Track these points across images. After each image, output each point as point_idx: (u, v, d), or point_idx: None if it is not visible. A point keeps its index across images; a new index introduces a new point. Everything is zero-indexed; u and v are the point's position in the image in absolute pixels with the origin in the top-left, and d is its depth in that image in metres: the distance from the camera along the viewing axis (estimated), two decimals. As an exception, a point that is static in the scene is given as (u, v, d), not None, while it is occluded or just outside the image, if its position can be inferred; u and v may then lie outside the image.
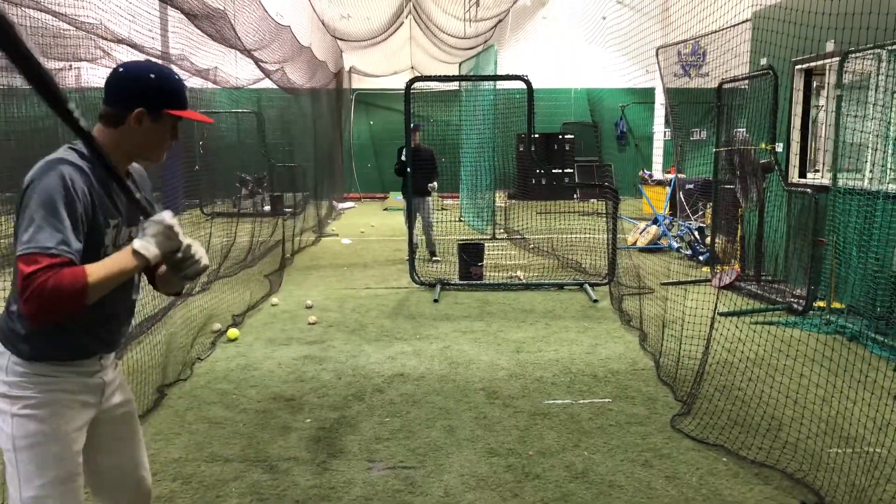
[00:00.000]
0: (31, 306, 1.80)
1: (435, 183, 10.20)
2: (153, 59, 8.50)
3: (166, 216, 1.99)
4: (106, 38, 6.92)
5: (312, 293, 8.29)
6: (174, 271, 2.08)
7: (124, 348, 5.41)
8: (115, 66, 2.18)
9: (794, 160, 8.18)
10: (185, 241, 2.04)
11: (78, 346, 2.13)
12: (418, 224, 9.99)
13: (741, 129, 8.27)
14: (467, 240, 9.88)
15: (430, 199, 10.09)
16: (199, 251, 2.08)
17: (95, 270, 1.88)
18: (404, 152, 9.47)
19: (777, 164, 7.78)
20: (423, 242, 10.22)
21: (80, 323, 2.08)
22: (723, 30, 7.75)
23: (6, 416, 2.04)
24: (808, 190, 7.39)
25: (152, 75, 2.13)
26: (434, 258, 10.05)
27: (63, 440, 2.07)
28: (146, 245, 1.96)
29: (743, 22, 8.18)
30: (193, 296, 7.54)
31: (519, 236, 11.88)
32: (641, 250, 11.01)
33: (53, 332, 2.06)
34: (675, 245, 11.06)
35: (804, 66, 7.83)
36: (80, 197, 1.96)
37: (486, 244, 9.55)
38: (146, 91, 2.10)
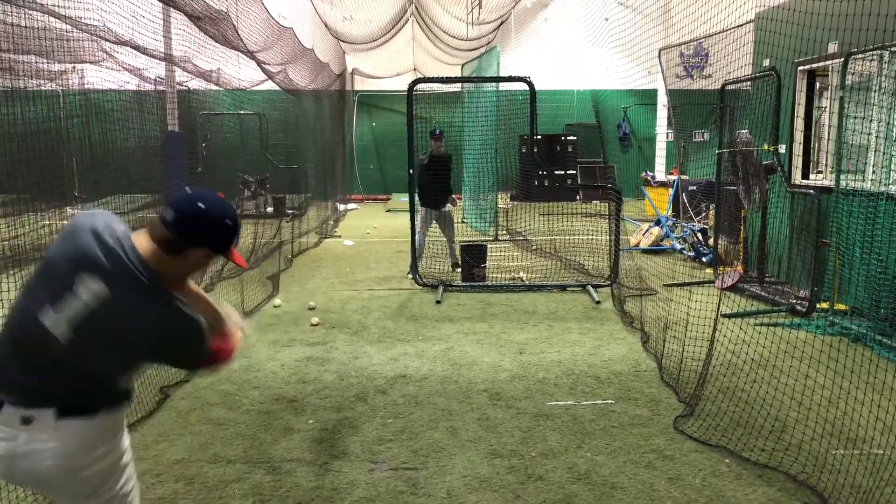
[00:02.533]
0: None
1: (455, 197, 9.81)
2: (155, 61, 8.49)
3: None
4: (109, 40, 6.93)
5: (315, 295, 8.30)
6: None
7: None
8: (190, 196, 2.20)
9: (797, 161, 8.17)
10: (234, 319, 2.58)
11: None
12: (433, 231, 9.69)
13: (744, 131, 8.26)
14: (470, 241, 9.86)
15: (451, 209, 9.71)
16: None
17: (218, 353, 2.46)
18: (420, 160, 9.29)
19: (780, 166, 7.77)
20: (447, 253, 9.86)
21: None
22: (725, 31, 7.75)
23: (119, 471, 2.29)
24: (811, 191, 7.37)
25: (228, 222, 2.19)
26: (457, 269, 9.50)
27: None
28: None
29: (745, 23, 8.18)
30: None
31: (521, 238, 11.87)
32: (644, 252, 11.00)
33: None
34: (678, 246, 11.05)
35: (807, 67, 7.82)
36: None
37: (488, 245, 9.54)
38: (219, 236, 2.19)
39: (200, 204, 2.15)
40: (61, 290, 2.03)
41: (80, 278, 2.03)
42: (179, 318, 2.13)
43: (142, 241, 2.13)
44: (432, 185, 9.32)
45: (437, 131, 9.55)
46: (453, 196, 9.70)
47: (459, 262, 9.26)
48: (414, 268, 8.72)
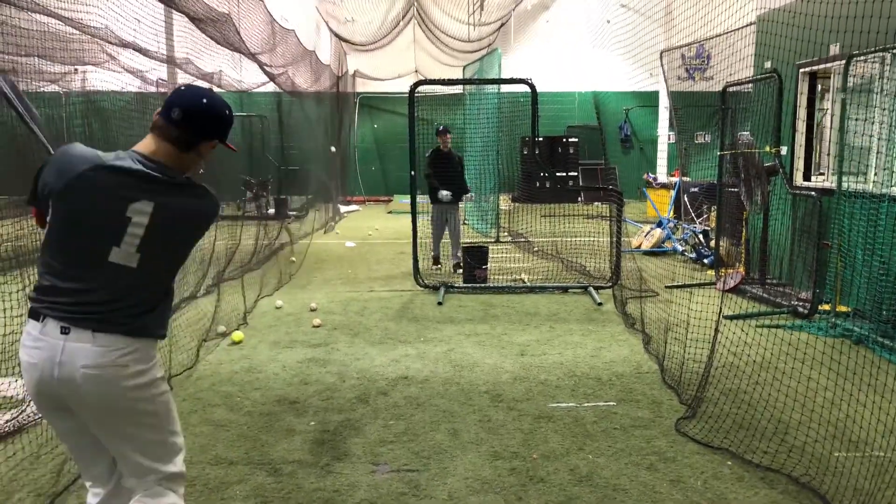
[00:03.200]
0: None
1: (471, 193, 9.99)
2: (154, 61, 8.52)
3: None
4: (111, 42, 6.94)
5: (316, 296, 8.30)
6: None
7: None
8: (190, 93, 2.43)
9: (799, 163, 8.16)
10: None
11: None
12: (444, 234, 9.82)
13: (745, 133, 8.26)
14: (471, 243, 9.86)
15: (459, 207, 9.84)
16: None
17: None
18: (429, 159, 9.39)
19: (781, 168, 7.77)
20: (449, 254, 9.98)
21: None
22: (727, 33, 7.75)
23: (160, 395, 2.45)
24: (813, 193, 7.37)
25: (227, 112, 2.45)
26: (458, 269, 9.65)
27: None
28: None
29: (747, 25, 8.17)
30: (198, 298, 7.55)
31: (523, 239, 11.87)
32: (646, 253, 11.00)
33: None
34: (680, 248, 11.05)
35: (808, 69, 7.82)
36: None
37: (490, 247, 9.54)
38: (225, 126, 2.45)
39: (204, 100, 2.39)
40: (117, 226, 2.28)
41: (127, 207, 2.27)
42: (212, 196, 2.49)
43: (148, 146, 2.35)
44: (441, 181, 9.37)
45: (441, 127, 9.64)
46: (470, 193, 9.87)
47: (461, 264, 9.29)
48: (415, 269, 8.70)
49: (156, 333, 2.44)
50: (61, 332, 2.26)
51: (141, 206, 2.27)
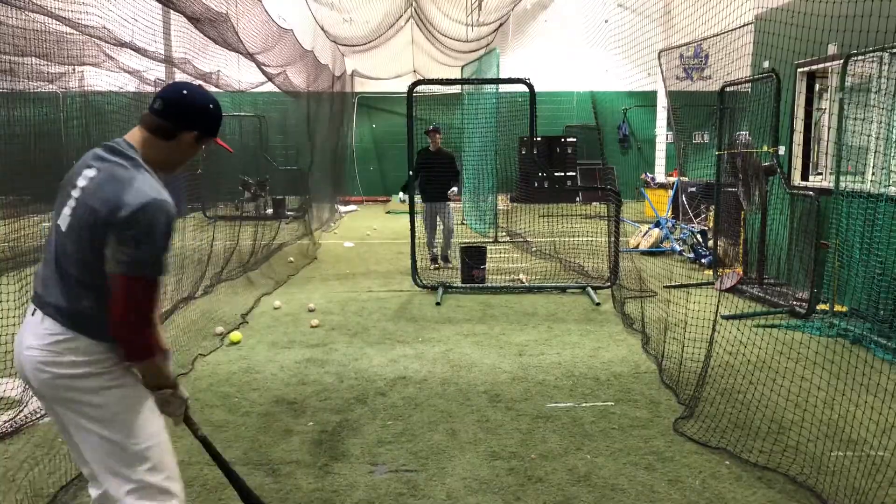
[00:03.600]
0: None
1: (455, 188, 10.14)
2: (153, 61, 8.52)
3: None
4: (109, 42, 6.94)
5: (314, 296, 8.30)
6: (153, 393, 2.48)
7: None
8: (175, 85, 2.50)
9: (797, 163, 8.17)
10: (183, 393, 2.64)
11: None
12: (439, 230, 9.94)
13: (743, 132, 8.27)
14: (470, 243, 9.87)
15: (451, 204, 10.00)
16: (175, 409, 2.60)
17: (165, 367, 2.47)
18: (417, 158, 9.44)
19: (779, 167, 7.78)
20: (440, 247, 10.13)
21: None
22: (725, 33, 7.76)
23: (101, 391, 2.33)
24: (811, 193, 7.38)
25: (212, 106, 2.47)
26: (447, 264, 9.97)
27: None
28: (184, 391, 2.66)
29: (745, 25, 8.19)
30: (196, 299, 7.55)
31: (521, 239, 11.87)
32: (644, 253, 11.01)
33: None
34: (678, 248, 11.06)
35: (806, 68, 7.83)
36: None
37: (488, 247, 9.55)
38: (207, 119, 2.45)
39: (184, 91, 2.45)
40: (68, 191, 2.32)
41: (79, 177, 2.32)
42: (153, 189, 2.26)
43: (133, 134, 2.41)
44: (428, 179, 9.42)
45: (430, 126, 9.71)
46: (454, 188, 9.98)
47: (448, 259, 9.48)
48: (413, 269, 8.71)
49: (93, 333, 2.30)
50: (31, 314, 2.36)
51: (88, 171, 2.31)
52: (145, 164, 2.33)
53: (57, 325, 2.28)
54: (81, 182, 2.29)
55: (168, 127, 2.38)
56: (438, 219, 9.89)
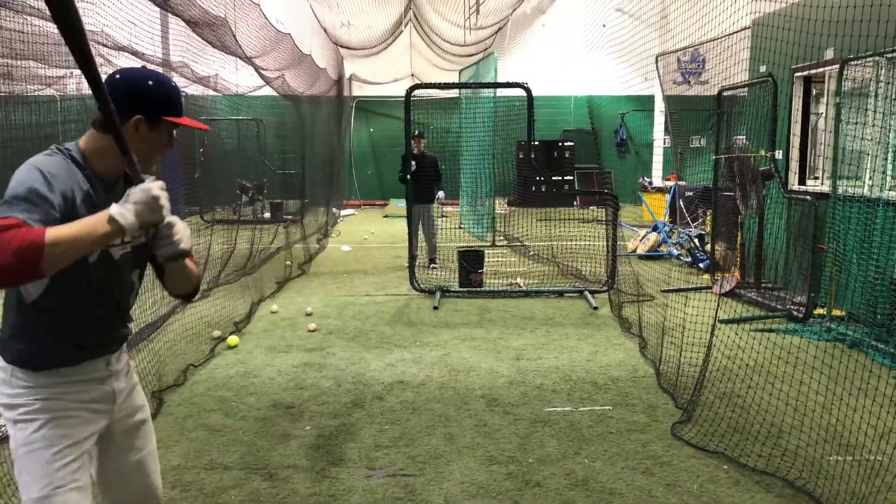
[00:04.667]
0: None
1: (442, 193, 10.22)
2: (151, 66, 8.54)
3: (154, 186, 1.90)
4: (107, 46, 6.94)
5: (312, 300, 8.29)
6: (152, 248, 2.00)
7: (134, 348, 5.40)
8: (111, 72, 2.17)
9: (794, 167, 8.19)
10: (168, 217, 1.93)
11: (68, 350, 2.12)
12: (421, 233, 10.00)
13: (741, 137, 8.28)
14: (467, 247, 9.87)
15: (433, 206, 10.12)
16: (180, 232, 1.96)
17: (61, 229, 1.80)
18: (402, 160, 9.52)
19: (777, 172, 7.79)
20: (424, 249, 10.22)
21: (63, 327, 2.10)
22: (722, 37, 7.78)
23: (10, 424, 2.08)
24: (808, 197, 7.39)
25: (150, 82, 2.12)
26: (433, 265, 10.06)
27: (59, 447, 2.06)
28: (124, 212, 1.84)
29: (742, 29, 8.20)
30: (193, 303, 7.53)
31: (519, 243, 11.88)
32: (641, 257, 11.01)
33: (44, 340, 2.08)
34: (675, 252, 11.06)
35: (803, 73, 7.85)
36: (57, 190, 1.92)
37: (486, 251, 9.55)
38: (145, 98, 2.09)
39: (116, 75, 2.12)
40: None
41: None
42: (30, 161, 1.96)
43: (89, 138, 2.09)
44: (415, 181, 9.46)
45: (417, 132, 9.80)
46: (441, 193, 10.15)
47: (436, 260, 9.65)
48: (411, 273, 8.72)
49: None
50: None
51: None
52: (86, 157, 2.04)
53: None
54: None
55: (104, 117, 1.98)
56: (420, 221, 9.96)
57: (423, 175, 9.71)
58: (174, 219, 1.96)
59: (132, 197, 1.88)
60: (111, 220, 1.83)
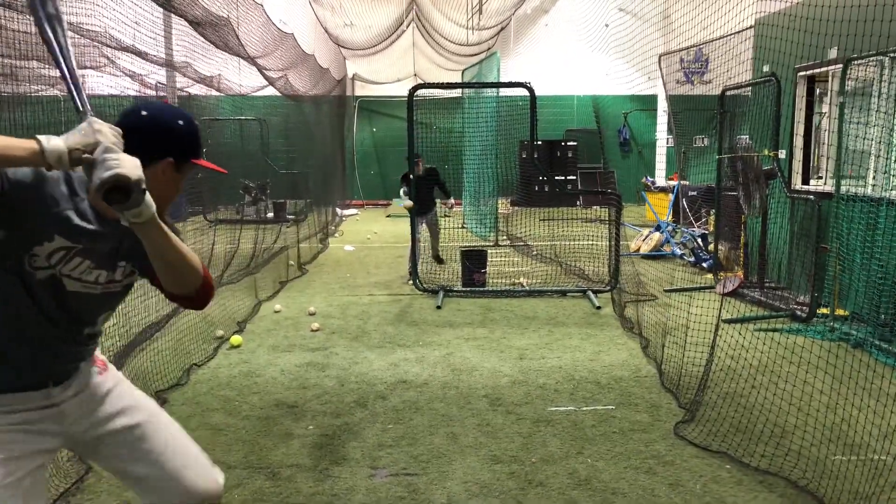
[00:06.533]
0: None
1: (451, 200, 10.11)
2: (150, 67, 8.53)
3: (96, 119, 1.75)
4: (110, 46, 6.95)
5: (315, 300, 8.30)
6: (88, 181, 1.72)
7: (137, 348, 5.42)
8: (132, 108, 2.02)
9: (797, 167, 8.17)
10: (104, 141, 1.69)
11: (5, 380, 1.98)
12: (425, 234, 9.93)
13: (744, 136, 8.27)
14: (470, 246, 9.87)
15: (434, 211, 9.96)
16: (121, 157, 1.69)
17: None
18: (408, 180, 9.40)
19: (780, 171, 7.78)
20: (429, 249, 10.16)
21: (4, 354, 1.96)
22: (725, 37, 7.77)
23: None
24: (811, 197, 7.38)
25: (181, 122, 2.03)
26: (441, 264, 10.02)
27: None
28: (51, 137, 1.64)
29: (745, 29, 8.19)
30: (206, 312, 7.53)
31: (522, 243, 11.87)
32: (644, 257, 11.00)
33: None
34: (679, 252, 11.05)
35: (807, 72, 7.84)
36: (27, 179, 1.81)
37: (488, 251, 9.55)
38: (176, 141, 2.01)
39: (143, 112, 1.99)
40: None
41: None
42: None
43: None
44: (417, 198, 9.35)
45: (417, 155, 9.56)
46: (451, 201, 10.05)
47: (441, 259, 9.68)
48: (414, 273, 8.72)
49: None
50: None
51: None
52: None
53: None
54: None
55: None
56: (424, 226, 9.86)
57: (423, 191, 9.60)
58: (110, 144, 1.71)
59: (72, 130, 1.71)
60: (33, 137, 1.63)
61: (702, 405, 4.66)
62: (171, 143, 1.99)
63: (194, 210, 13.49)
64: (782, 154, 8.07)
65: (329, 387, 5.33)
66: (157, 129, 1.98)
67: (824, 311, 6.94)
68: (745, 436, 4.26)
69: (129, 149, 1.77)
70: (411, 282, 8.89)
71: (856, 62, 6.55)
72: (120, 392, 2.26)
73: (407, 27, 17.67)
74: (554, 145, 20.03)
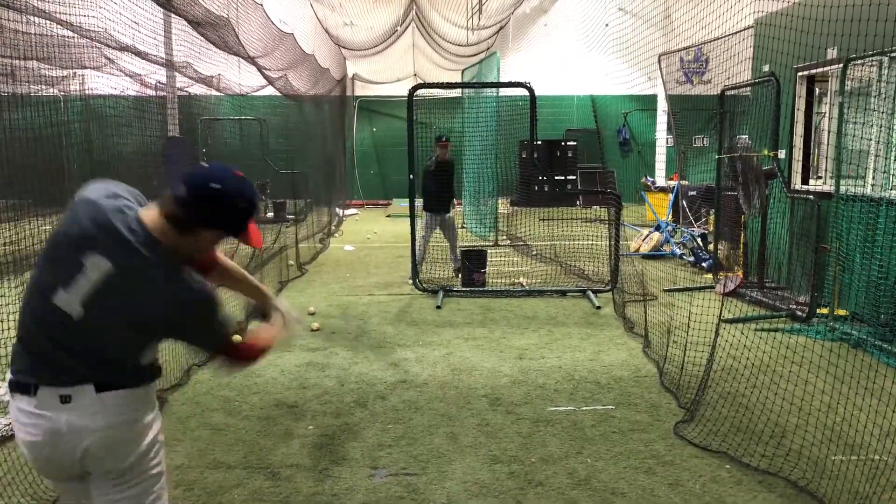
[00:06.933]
0: None
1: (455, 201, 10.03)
2: (152, 67, 8.50)
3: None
4: (110, 46, 6.95)
5: (315, 300, 8.30)
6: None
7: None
8: (203, 174, 2.11)
9: (797, 167, 8.17)
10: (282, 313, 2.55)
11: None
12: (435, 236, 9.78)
13: (743, 136, 8.27)
14: (470, 246, 9.86)
15: (452, 214, 9.77)
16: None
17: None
18: (428, 166, 9.35)
19: (779, 171, 7.78)
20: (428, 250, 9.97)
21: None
22: (725, 37, 7.76)
23: None
24: (811, 197, 7.38)
25: (242, 204, 2.12)
26: (458, 274, 9.60)
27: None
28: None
29: (745, 29, 8.19)
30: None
31: (521, 243, 11.87)
32: (644, 257, 11.00)
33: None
34: (678, 252, 11.05)
35: (806, 72, 7.83)
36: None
37: (488, 251, 9.54)
38: (232, 218, 2.12)
39: (214, 185, 2.07)
40: (70, 270, 2.01)
41: (86, 256, 2.01)
42: (186, 290, 2.08)
43: (151, 215, 2.08)
44: (438, 190, 9.34)
45: (444, 138, 9.56)
46: (454, 201, 9.84)
47: (461, 268, 9.27)
48: (414, 273, 8.72)
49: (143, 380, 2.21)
50: (62, 402, 2.07)
51: (98, 260, 2.01)
52: (161, 250, 2.06)
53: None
54: (93, 274, 2.02)
55: (185, 221, 2.05)
56: (438, 231, 9.65)
57: (445, 182, 9.42)
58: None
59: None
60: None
61: (701, 405, 4.66)
62: (228, 220, 2.12)
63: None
64: (782, 154, 8.07)
65: (329, 387, 5.34)
66: (221, 205, 2.08)
67: (824, 310, 6.94)
68: (745, 436, 4.27)
69: (189, 211, 2.03)
70: (411, 281, 8.88)
71: (855, 62, 6.55)
72: (113, 444, 2.35)
73: (407, 27, 17.68)
74: (554, 145, 20.02)
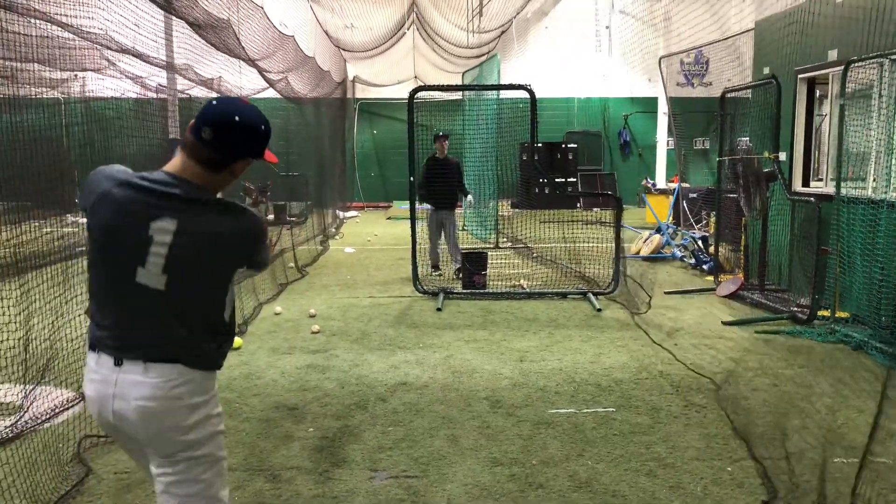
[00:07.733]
0: None
1: (471, 197, 10.07)
2: (153, 67, 8.52)
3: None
4: (111, 48, 6.96)
5: (315, 302, 8.29)
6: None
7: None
8: (221, 108, 2.25)
9: (798, 169, 8.17)
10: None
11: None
12: (442, 240, 9.77)
13: (744, 138, 8.27)
14: (470, 249, 9.85)
15: (456, 213, 9.80)
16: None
17: None
18: (424, 167, 9.38)
19: (780, 173, 7.78)
20: (447, 257, 9.93)
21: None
22: (725, 39, 7.77)
23: None
24: (812, 199, 7.38)
25: (263, 126, 2.26)
26: (459, 275, 9.68)
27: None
28: None
29: (745, 31, 8.21)
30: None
31: (522, 245, 11.87)
32: (645, 259, 11.00)
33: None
34: (679, 254, 11.05)
35: (807, 74, 7.84)
36: None
37: (489, 253, 9.54)
38: (257, 142, 2.26)
39: (236, 117, 2.21)
40: (140, 246, 2.15)
41: (149, 227, 2.14)
42: (249, 216, 2.32)
43: (177, 164, 2.22)
44: (436, 186, 9.34)
45: (441, 133, 9.63)
46: (469, 198, 9.95)
47: (462, 269, 9.30)
48: (414, 274, 8.69)
49: (211, 366, 2.31)
50: (115, 364, 2.19)
51: (163, 223, 2.14)
52: (206, 191, 2.24)
53: (174, 369, 2.21)
54: (164, 238, 2.15)
55: (220, 158, 2.21)
56: (442, 230, 9.69)
57: (445, 180, 9.48)
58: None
59: None
60: None
61: (703, 408, 4.65)
62: (256, 145, 2.26)
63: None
64: (783, 156, 8.07)
65: (329, 389, 5.33)
66: (248, 134, 2.23)
67: (825, 313, 6.93)
68: (746, 437, 4.26)
69: (216, 148, 2.17)
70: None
71: (856, 64, 6.55)
72: (187, 424, 2.47)
73: (407, 29, 17.70)
74: (554, 147, 20.04)
